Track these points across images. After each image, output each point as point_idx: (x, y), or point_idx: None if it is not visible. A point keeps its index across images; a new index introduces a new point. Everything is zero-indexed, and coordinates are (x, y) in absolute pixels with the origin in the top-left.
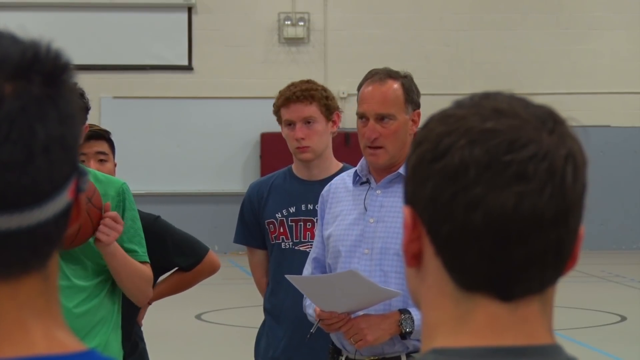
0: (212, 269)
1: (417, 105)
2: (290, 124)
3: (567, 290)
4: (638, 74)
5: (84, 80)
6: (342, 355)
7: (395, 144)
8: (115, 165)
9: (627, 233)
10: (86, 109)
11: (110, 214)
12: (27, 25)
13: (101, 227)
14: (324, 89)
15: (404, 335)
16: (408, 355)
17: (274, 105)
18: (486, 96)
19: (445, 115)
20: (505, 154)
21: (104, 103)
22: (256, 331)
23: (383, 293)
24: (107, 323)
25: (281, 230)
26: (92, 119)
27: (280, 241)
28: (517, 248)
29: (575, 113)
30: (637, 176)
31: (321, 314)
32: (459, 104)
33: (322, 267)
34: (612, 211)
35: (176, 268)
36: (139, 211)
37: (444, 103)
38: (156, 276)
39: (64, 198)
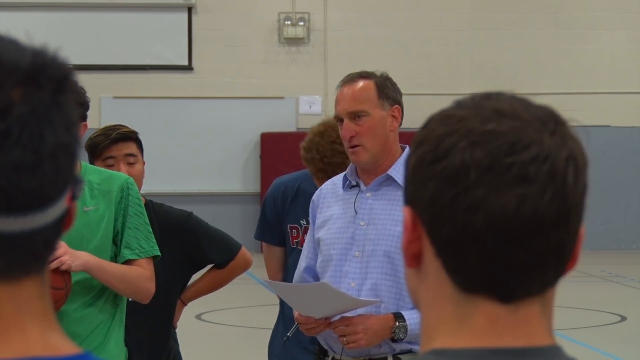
0: (246, 265)
1: (395, 101)
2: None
3: (567, 290)
4: (638, 74)
5: (84, 80)
6: (327, 356)
7: (374, 141)
8: (144, 164)
9: (627, 233)
10: (85, 106)
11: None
12: (27, 25)
13: (55, 263)
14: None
15: (395, 340)
16: (394, 356)
17: None
18: (487, 97)
19: (445, 116)
20: (506, 156)
21: (104, 103)
22: (257, 331)
23: (358, 302)
24: (105, 326)
25: (304, 237)
26: (92, 119)
27: (302, 248)
28: (517, 250)
29: (575, 113)
30: (637, 176)
31: (298, 318)
32: (459, 104)
33: (315, 275)
34: (612, 211)
35: (210, 266)
36: (171, 208)
37: (444, 103)
38: (189, 274)
39: (63, 204)
